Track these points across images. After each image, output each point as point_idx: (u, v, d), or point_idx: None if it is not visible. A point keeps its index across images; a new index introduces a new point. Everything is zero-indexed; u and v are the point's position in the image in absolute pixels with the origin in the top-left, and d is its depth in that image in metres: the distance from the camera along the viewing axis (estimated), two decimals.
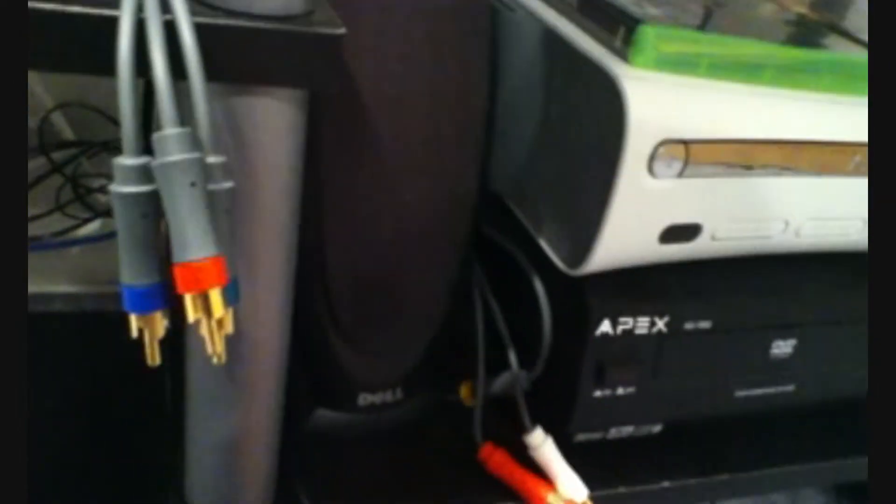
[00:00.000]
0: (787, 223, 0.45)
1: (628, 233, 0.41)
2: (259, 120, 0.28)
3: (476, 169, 0.45)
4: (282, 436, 0.42)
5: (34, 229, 0.77)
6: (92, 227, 0.82)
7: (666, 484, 0.48)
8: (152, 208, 0.25)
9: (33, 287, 0.87)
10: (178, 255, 0.24)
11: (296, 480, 0.44)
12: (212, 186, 0.25)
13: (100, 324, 0.88)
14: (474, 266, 0.49)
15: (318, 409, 0.47)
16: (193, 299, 0.25)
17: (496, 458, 0.45)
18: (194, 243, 0.24)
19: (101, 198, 0.83)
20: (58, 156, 0.79)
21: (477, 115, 0.43)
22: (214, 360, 0.27)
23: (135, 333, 0.27)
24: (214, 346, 0.26)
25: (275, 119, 0.28)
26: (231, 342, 0.32)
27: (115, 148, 0.80)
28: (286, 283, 0.34)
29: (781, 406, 0.51)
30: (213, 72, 0.25)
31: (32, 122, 0.78)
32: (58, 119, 0.81)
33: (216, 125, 0.26)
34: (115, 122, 0.79)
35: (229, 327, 0.27)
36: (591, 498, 0.46)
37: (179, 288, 0.25)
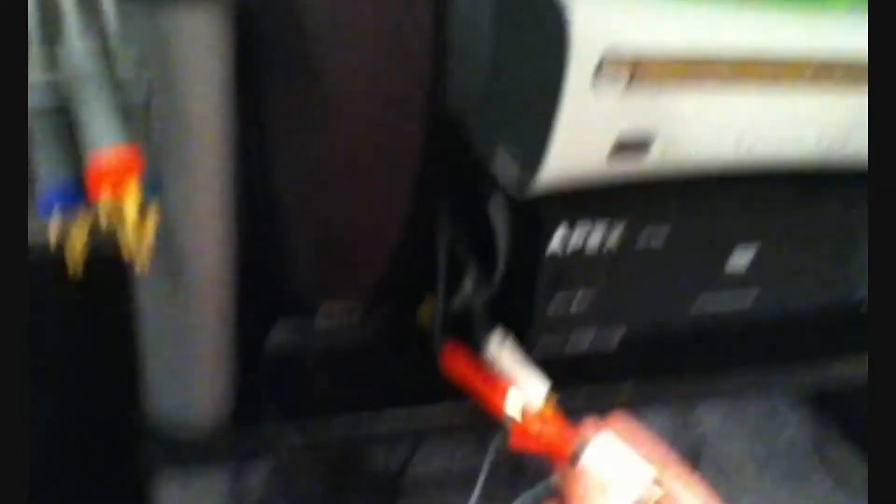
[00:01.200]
0: (739, 139, 0.45)
1: (576, 149, 0.41)
2: (182, 30, 0.28)
3: (425, 91, 0.44)
4: (240, 351, 0.43)
5: None
6: None
7: (629, 383, 0.49)
8: (64, 123, 0.25)
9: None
10: (87, 148, 0.25)
11: (258, 395, 0.45)
12: (126, 99, 0.26)
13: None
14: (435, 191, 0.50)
15: (278, 326, 0.47)
16: (108, 205, 0.25)
17: (457, 358, 0.46)
18: (105, 134, 0.24)
19: None
20: None
21: (425, 37, 0.43)
22: (137, 269, 0.28)
23: (52, 240, 0.27)
24: (132, 252, 0.27)
25: (198, 30, 0.28)
26: (170, 254, 0.33)
27: None
28: (222, 192, 0.34)
29: (741, 316, 0.52)
30: None
31: None
32: None
33: (138, 30, 0.26)
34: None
35: (149, 234, 0.27)
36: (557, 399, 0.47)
37: (90, 180, 0.25)
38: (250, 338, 0.45)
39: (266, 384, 0.46)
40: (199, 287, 0.37)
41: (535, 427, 0.42)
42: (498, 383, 0.44)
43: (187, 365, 0.41)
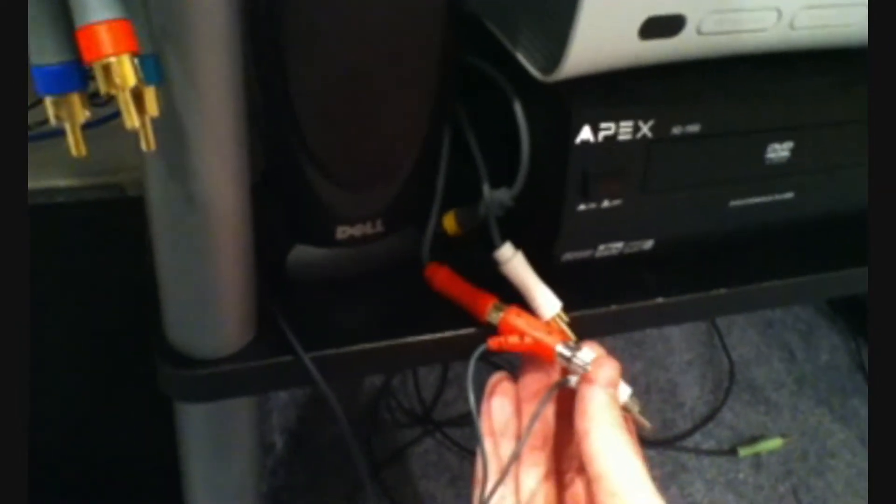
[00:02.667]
0: (780, 12, 0.42)
1: (605, 28, 0.38)
2: None
3: None
4: (260, 273, 0.41)
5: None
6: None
7: (660, 300, 0.47)
8: None
9: (33, 182, 0.87)
10: (79, 21, 0.22)
11: (278, 316, 0.43)
12: None
13: (98, 211, 0.88)
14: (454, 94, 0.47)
15: (297, 244, 0.45)
16: (101, 70, 0.23)
17: (441, 276, 0.44)
18: (92, 6, 0.22)
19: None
20: None
21: None
22: (143, 144, 0.25)
23: (53, 121, 0.25)
24: (133, 120, 0.24)
25: None
26: (177, 144, 0.31)
27: None
28: (233, 72, 0.31)
29: (780, 216, 0.49)
30: None
31: None
32: None
33: None
34: None
35: (153, 107, 0.25)
36: (582, 318, 0.45)
37: (84, 56, 0.23)
38: (268, 261, 0.43)
39: (286, 310, 0.43)
40: (214, 195, 0.35)
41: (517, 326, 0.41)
42: (480, 296, 0.43)
43: (205, 289, 0.38)
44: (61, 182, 0.89)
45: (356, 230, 0.46)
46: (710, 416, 0.94)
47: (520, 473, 0.40)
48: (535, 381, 0.42)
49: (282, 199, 0.44)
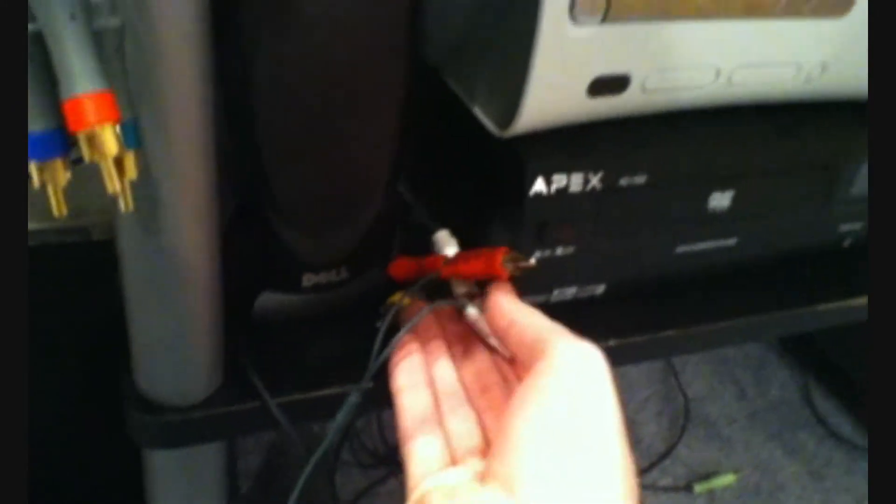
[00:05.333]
0: (718, 71, 0.45)
1: (555, 87, 0.40)
2: None
3: (404, 39, 0.43)
4: (229, 319, 0.43)
5: None
6: None
7: (612, 342, 0.49)
8: (38, 50, 0.24)
9: None
10: (65, 92, 0.24)
11: (246, 363, 0.44)
12: (98, 24, 0.25)
13: (63, 255, 0.88)
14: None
15: (265, 291, 0.47)
16: (86, 139, 0.24)
17: (399, 264, 0.47)
18: (79, 78, 0.24)
19: None
20: None
21: None
22: (122, 206, 0.27)
23: (36, 185, 0.27)
24: (115, 186, 0.26)
25: None
26: (149, 201, 0.32)
27: None
28: (203, 133, 0.33)
29: (724, 260, 0.52)
30: None
31: None
32: None
33: None
34: None
35: (132, 171, 0.27)
36: None
37: (70, 126, 0.24)
38: (236, 309, 0.45)
39: (253, 356, 0.45)
40: (184, 248, 0.36)
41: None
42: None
43: (174, 337, 0.40)
44: (29, 226, 0.89)
45: (321, 277, 0.47)
46: (666, 453, 0.96)
47: (445, 421, 0.38)
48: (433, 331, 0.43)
49: (250, 248, 0.45)
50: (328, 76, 0.39)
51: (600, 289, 0.49)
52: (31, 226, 0.90)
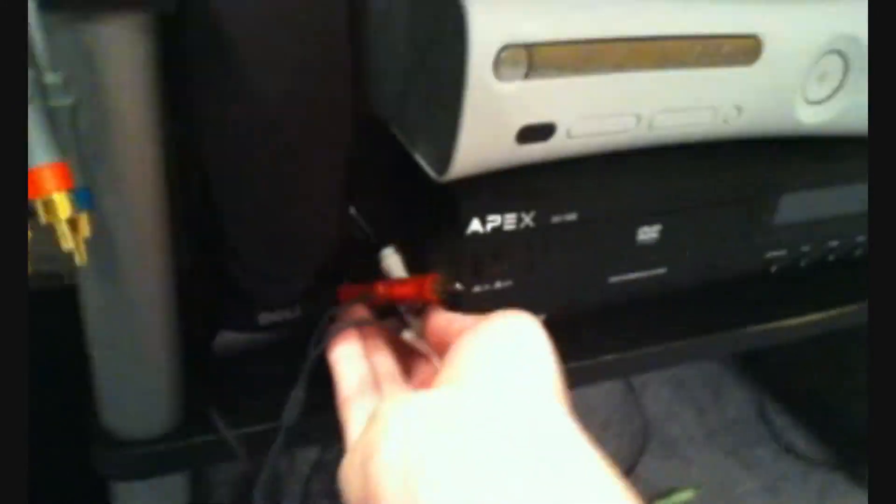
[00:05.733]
0: (638, 117, 0.48)
1: (485, 136, 0.44)
2: (104, 44, 0.30)
3: (346, 97, 0.47)
4: (190, 355, 0.45)
5: None
6: None
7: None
8: None
9: None
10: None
11: (206, 401, 0.47)
12: (53, 103, 0.28)
13: (36, 298, 0.90)
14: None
15: (221, 331, 0.50)
16: (44, 204, 0.28)
17: (346, 290, 0.50)
18: (35, 152, 0.27)
19: None
20: None
21: (340, 40, 0.45)
22: (77, 259, 0.30)
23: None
24: (68, 244, 0.29)
25: (119, 43, 0.31)
26: (110, 264, 0.35)
27: None
28: (155, 192, 0.36)
29: (656, 288, 0.56)
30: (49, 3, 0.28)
31: None
32: None
33: (62, 49, 0.29)
34: None
35: (86, 230, 0.30)
36: None
37: (29, 194, 0.28)
38: (195, 347, 0.47)
39: (212, 391, 0.47)
40: (141, 295, 0.39)
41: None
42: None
43: (135, 375, 0.42)
44: None
45: (276, 316, 0.50)
46: (627, 472, 0.99)
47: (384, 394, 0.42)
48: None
49: (207, 291, 0.48)
50: (275, 137, 0.43)
51: (541, 318, 0.53)
52: None
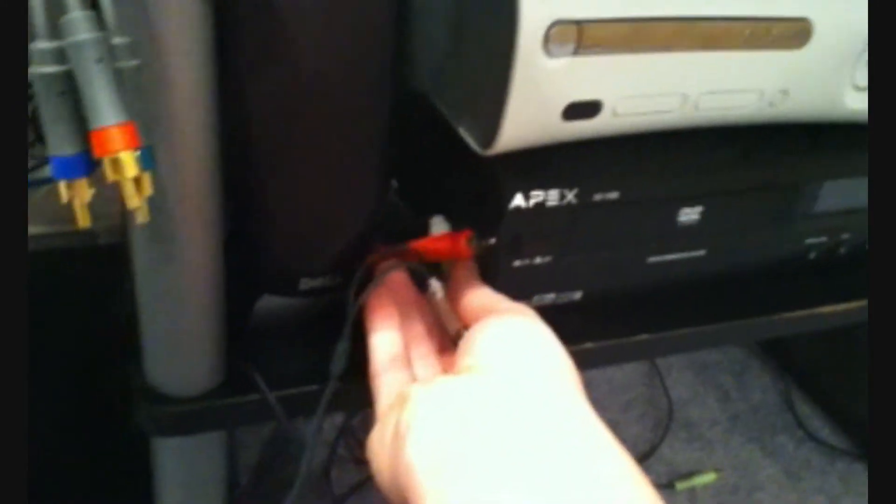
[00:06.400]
0: (684, 97, 0.48)
1: (531, 112, 0.44)
2: (164, 8, 0.31)
3: (389, 63, 0.47)
4: (232, 319, 0.46)
5: None
6: None
7: (588, 345, 0.53)
8: (68, 86, 0.28)
9: None
10: (92, 124, 0.28)
11: (247, 358, 0.48)
12: (119, 64, 0.29)
13: (69, 258, 0.92)
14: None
15: (263, 296, 0.50)
16: (110, 163, 0.28)
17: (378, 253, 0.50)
18: (104, 113, 0.28)
19: None
20: None
21: (385, 9, 0.45)
22: (139, 218, 0.31)
23: (64, 200, 0.31)
24: (134, 202, 0.30)
25: (179, 7, 0.31)
26: (161, 223, 0.36)
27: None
28: (208, 155, 0.37)
29: (694, 271, 0.56)
30: None
31: None
32: None
33: (124, 10, 0.29)
34: None
35: (148, 188, 0.31)
36: None
37: (96, 152, 0.28)
38: (237, 310, 0.48)
39: (253, 353, 0.48)
40: (191, 254, 0.40)
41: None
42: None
43: (181, 334, 0.43)
44: (34, 229, 0.92)
45: (317, 282, 0.51)
46: (649, 453, 1.00)
47: (413, 366, 0.44)
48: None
49: (249, 253, 0.49)
50: (317, 105, 0.43)
51: (577, 295, 0.53)
52: (39, 230, 0.93)
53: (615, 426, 0.90)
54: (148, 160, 0.32)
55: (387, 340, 0.44)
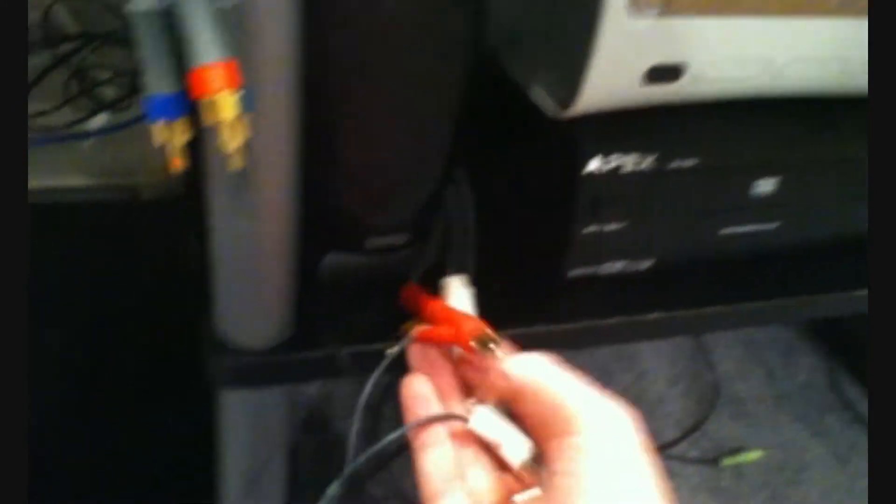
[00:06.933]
0: (769, 64, 0.47)
1: (614, 73, 0.43)
2: None
3: (466, 24, 0.46)
4: (299, 277, 0.46)
5: (44, 123, 0.80)
6: (100, 120, 0.85)
7: (656, 315, 0.52)
8: (167, 24, 0.28)
9: (49, 181, 0.91)
10: (190, 63, 0.28)
11: (315, 318, 0.48)
12: (218, 4, 0.28)
13: (111, 212, 0.93)
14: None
15: (331, 252, 0.50)
16: (207, 104, 0.28)
17: (409, 291, 0.46)
18: (203, 51, 0.28)
19: (107, 91, 0.85)
20: (62, 49, 0.80)
21: None
22: (234, 164, 0.30)
23: (159, 142, 0.30)
24: (231, 146, 0.30)
25: None
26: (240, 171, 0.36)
27: (118, 39, 0.82)
28: (292, 104, 0.36)
29: (767, 243, 0.55)
30: None
31: (35, 16, 0.79)
32: (60, 11, 0.82)
33: None
34: (117, 12, 0.80)
35: (245, 132, 0.30)
36: (585, 329, 0.50)
37: (193, 92, 0.28)
38: (304, 267, 0.48)
39: (321, 310, 0.48)
40: (268, 205, 0.40)
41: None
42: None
43: (254, 286, 0.43)
44: (79, 183, 0.93)
45: (384, 240, 0.51)
46: (694, 428, 0.99)
47: (467, 477, 0.38)
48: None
49: (319, 209, 0.49)
50: (394, 63, 0.42)
51: (647, 264, 0.52)
52: (82, 182, 0.94)
53: (660, 400, 0.90)
54: (249, 102, 0.31)
55: (436, 461, 0.38)
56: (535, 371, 0.36)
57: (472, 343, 0.38)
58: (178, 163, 0.32)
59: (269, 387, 0.48)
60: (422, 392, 0.40)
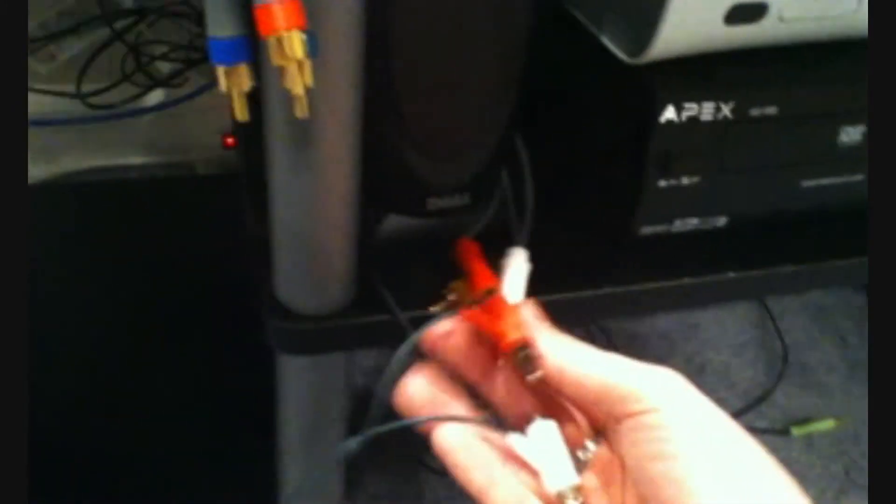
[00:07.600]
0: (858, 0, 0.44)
1: (693, 14, 0.40)
2: None
3: None
4: (359, 242, 0.44)
5: (102, 100, 0.79)
6: (156, 96, 0.85)
7: (731, 275, 0.49)
8: None
9: (108, 159, 0.92)
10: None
11: (376, 279, 0.46)
12: None
13: (170, 188, 0.94)
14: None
15: (391, 214, 0.48)
16: (275, 43, 0.26)
17: (463, 248, 0.44)
18: None
19: (163, 66, 0.84)
20: (118, 25, 0.80)
21: None
22: (298, 111, 0.29)
23: (223, 88, 0.29)
24: (298, 88, 0.28)
25: None
26: (302, 128, 0.34)
27: (174, 14, 0.81)
28: (356, 58, 0.35)
29: (851, 198, 0.51)
30: None
31: None
32: None
33: None
34: None
35: (310, 79, 0.28)
36: (656, 289, 0.47)
37: (260, 30, 0.26)
38: (363, 230, 0.46)
39: (381, 274, 0.46)
40: (329, 160, 0.38)
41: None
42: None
43: (315, 250, 0.42)
44: (135, 160, 0.94)
45: (445, 202, 0.49)
46: (762, 397, 0.96)
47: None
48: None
49: (378, 171, 0.47)
50: (459, 17, 0.40)
51: (722, 221, 0.49)
52: (138, 160, 0.94)
53: (727, 369, 0.87)
54: (313, 46, 0.29)
55: (472, 458, 0.34)
56: (569, 355, 0.32)
57: (512, 355, 0.34)
58: (241, 112, 0.30)
59: (329, 353, 0.46)
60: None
